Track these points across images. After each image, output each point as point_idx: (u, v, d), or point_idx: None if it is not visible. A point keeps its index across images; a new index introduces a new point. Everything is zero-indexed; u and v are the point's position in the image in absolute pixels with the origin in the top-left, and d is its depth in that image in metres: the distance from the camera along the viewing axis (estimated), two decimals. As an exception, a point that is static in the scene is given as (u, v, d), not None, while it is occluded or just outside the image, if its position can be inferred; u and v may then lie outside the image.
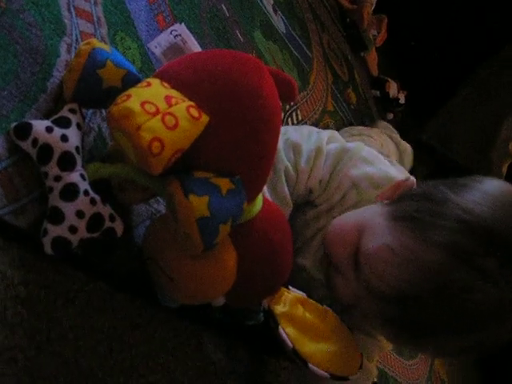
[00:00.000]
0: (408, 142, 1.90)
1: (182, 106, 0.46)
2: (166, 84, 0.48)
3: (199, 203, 0.46)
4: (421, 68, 1.98)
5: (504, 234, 0.58)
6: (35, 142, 0.48)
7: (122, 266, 0.57)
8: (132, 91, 0.46)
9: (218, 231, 0.48)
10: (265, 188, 0.72)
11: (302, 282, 0.73)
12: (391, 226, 0.64)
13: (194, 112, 0.46)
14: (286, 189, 0.74)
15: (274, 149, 0.54)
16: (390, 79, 1.75)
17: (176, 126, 0.44)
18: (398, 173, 0.81)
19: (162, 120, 0.44)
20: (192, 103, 0.47)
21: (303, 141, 0.78)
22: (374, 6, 1.67)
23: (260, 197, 0.57)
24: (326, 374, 0.60)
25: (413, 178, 0.72)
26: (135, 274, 0.57)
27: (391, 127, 1.56)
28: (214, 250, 0.51)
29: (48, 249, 0.48)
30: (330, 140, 0.81)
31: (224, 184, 0.48)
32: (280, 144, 0.76)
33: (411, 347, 0.77)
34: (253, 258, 0.56)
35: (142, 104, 0.44)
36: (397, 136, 1.46)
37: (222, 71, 0.50)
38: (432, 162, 1.90)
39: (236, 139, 0.49)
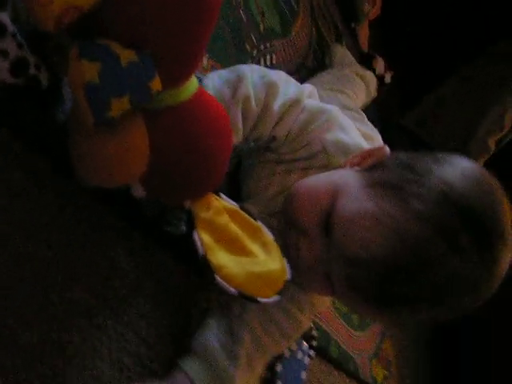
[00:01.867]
0: (389, 125, 1.91)
1: None
2: None
3: (89, 68, 0.44)
4: (413, 51, 1.97)
5: (481, 212, 0.59)
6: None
7: (47, 130, 0.55)
8: None
9: (108, 104, 0.45)
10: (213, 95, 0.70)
11: None
12: (371, 192, 0.63)
13: None
14: (240, 118, 0.71)
15: (204, 32, 0.51)
16: (377, 56, 1.73)
17: None
18: (367, 144, 0.81)
19: None
20: None
21: (281, 84, 0.75)
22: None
23: (190, 88, 0.53)
24: (233, 290, 0.56)
25: (386, 148, 0.71)
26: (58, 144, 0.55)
27: (349, 54, 1.52)
28: (118, 130, 0.49)
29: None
30: (309, 94, 0.80)
31: (126, 55, 0.45)
32: (250, 73, 0.73)
33: (372, 315, 0.73)
34: (170, 149, 0.53)
35: None
36: (357, 67, 1.44)
37: None
38: (411, 148, 1.89)
39: (148, 9, 0.45)
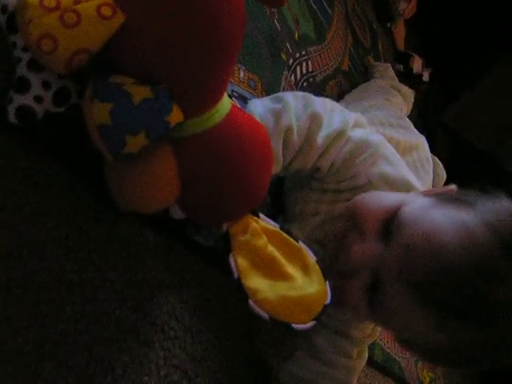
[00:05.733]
0: (429, 123, 1.88)
1: (92, 4, 0.44)
2: None
3: (100, 109, 0.46)
4: (450, 48, 1.93)
5: None
6: (5, 9, 0.48)
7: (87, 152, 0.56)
8: None
9: (123, 141, 0.47)
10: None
11: None
12: (440, 203, 0.66)
13: (107, 11, 0.44)
14: (281, 148, 0.71)
15: (224, 57, 0.50)
16: (414, 55, 1.71)
17: (76, 24, 0.43)
18: (414, 178, 0.81)
19: (60, 17, 0.42)
20: (109, 1, 0.44)
21: (325, 114, 0.75)
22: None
23: (218, 113, 0.53)
24: (265, 314, 0.56)
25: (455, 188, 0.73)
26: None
27: (390, 70, 1.52)
28: (146, 159, 0.50)
29: (12, 117, 0.48)
30: (354, 124, 0.79)
31: (139, 92, 0.46)
32: (294, 102, 0.73)
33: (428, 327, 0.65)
34: (200, 174, 0.54)
35: None
36: (394, 82, 1.43)
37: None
38: (452, 145, 1.86)
39: (159, 42, 0.46)
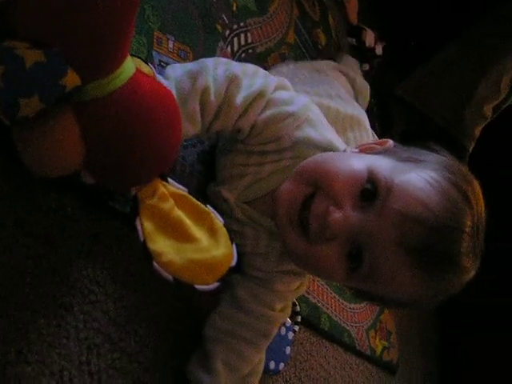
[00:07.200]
0: (384, 97, 1.90)
1: None
2: None
3: None
4: (406, 21, 1.94)
5: None
6: None
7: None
8: None
9: (17, 105, 0.47)
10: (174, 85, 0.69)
11: (220, 210, 0.74)
12: (409, 165, 0.71)
13: None
14: (198, 109, 0.71)
15: (121, 24, 0.50)
16: (367, 28, 1.72)
17: None
18: (340, 141, 0.82)
19: None
20: None
21: (245, 77, 0.75)
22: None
23: (120, 77, 0.54)
24: (169, 276, 0.57)
25: (390, 141, 0.80)
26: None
27: (355, 64, 1.52)
28: (49, 123, 0.51)
29: None
30: (277, 87, 0.79)
31: (31, 55, 0.47)
32: (213, 66, 0.73)
33: (410, 283, 0.70)
34: (103, 138, 0.54)
35: None
36: (354, 74, 1.38)
37: None
38: (409, 119, 1.88)
39: (53, 5, 0.46)
